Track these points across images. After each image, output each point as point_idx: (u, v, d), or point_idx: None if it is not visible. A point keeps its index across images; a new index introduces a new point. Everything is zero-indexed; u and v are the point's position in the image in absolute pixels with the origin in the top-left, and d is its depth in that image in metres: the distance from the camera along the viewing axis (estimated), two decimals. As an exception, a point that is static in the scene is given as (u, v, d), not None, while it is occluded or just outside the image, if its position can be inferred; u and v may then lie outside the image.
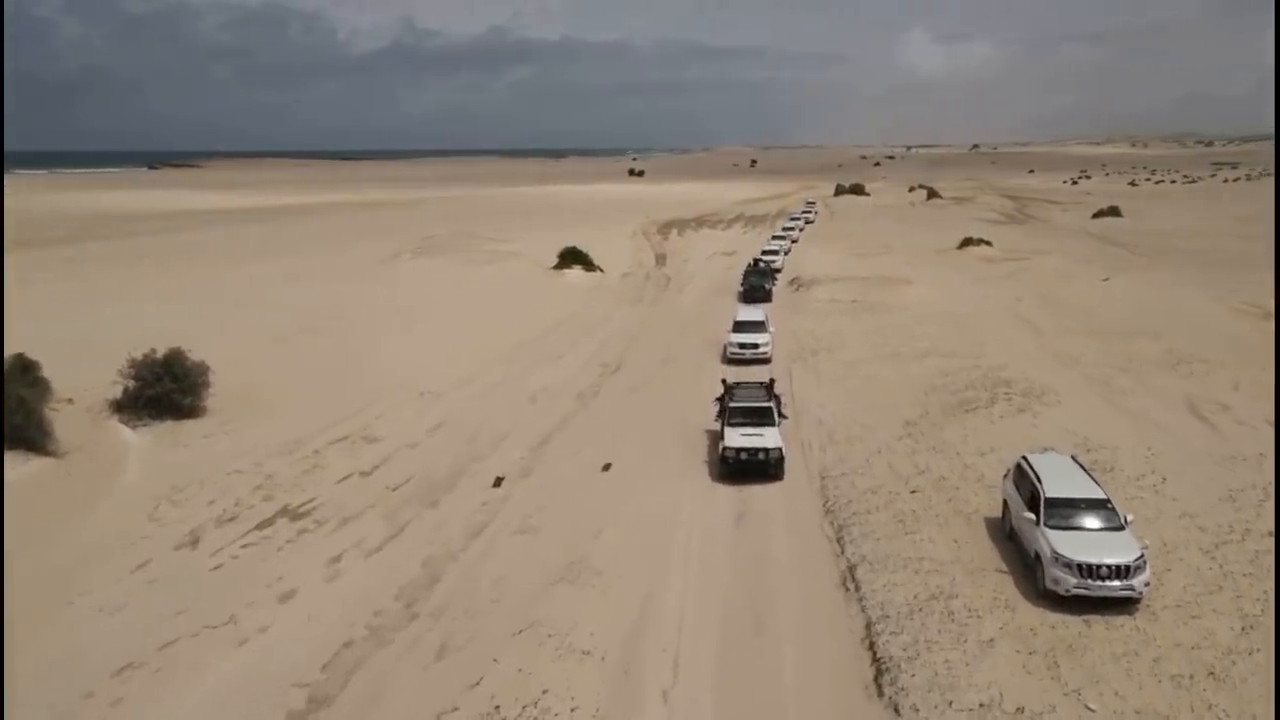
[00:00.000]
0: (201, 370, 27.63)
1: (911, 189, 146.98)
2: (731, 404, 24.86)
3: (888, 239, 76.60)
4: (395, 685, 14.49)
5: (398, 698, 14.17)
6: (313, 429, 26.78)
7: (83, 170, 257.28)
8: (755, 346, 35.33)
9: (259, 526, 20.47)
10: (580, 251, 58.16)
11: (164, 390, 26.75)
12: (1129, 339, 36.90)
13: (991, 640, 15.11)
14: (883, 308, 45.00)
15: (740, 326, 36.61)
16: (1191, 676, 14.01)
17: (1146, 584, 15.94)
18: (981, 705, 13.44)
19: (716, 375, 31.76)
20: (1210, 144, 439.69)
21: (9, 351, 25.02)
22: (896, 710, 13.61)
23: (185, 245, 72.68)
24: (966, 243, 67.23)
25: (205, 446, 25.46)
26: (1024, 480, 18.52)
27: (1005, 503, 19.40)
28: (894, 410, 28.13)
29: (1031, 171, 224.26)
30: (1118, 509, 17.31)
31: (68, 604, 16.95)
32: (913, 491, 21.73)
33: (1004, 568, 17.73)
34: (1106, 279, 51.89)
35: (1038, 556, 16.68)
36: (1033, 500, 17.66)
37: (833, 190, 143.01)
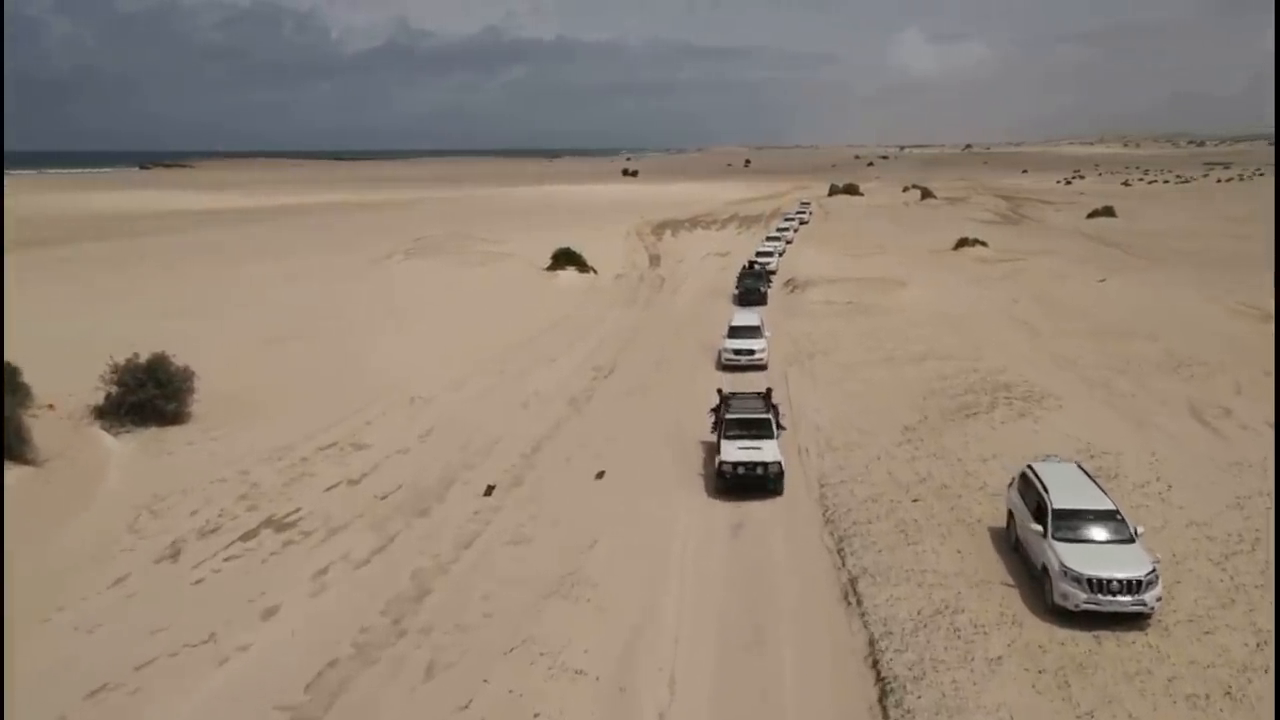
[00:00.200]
0: (186, 375, 27.03)
1: (905, 189, 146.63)
2: (728, 415, 23.69)
3: (882, 240, 76.29)
4: (381, 707, 13.89)
5: (384, 721, 13.59)
6: (300, 435, 26.18)
7: (73, 170, 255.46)
8: (751, 353, 34.48)
9: (243, 538, 19.86)
10: (574, 252, 57.64)
11: (147, 396, 26.14)
12: (1127, 340, 36.53)
13: (999, 658, 14.61)
14: (878, 309, 44.54)
15: (735, 332, 35.73)
16: (1207, 696, 13.54)
17: (1159, 599, 15.46)
18: (991, 728, 12.94)
19: (711, 379, 31.29)
20: (1203, 144, 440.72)
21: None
22: (902, 733, 13.10)
23: (180, 246, 71.93)
24: (961, 243, 66.75)
25: (189, 454, 24.83)
26: (1030, 490, 18.01)
27: (1010, 513, 18.89)
28: (892, 415, 27.65)
29: (1025, 171, 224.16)
30: (1128, 520, 16.80)
31: (43, 620, 16.32)
32: (914, 500, 21.22)
33: (1010, 580, 17.24)
34: (1102, 280, 51.54)
35: (1045, 570, 16.17)
36: (1039, 511, 17.15)
37: (827, 190, 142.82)
